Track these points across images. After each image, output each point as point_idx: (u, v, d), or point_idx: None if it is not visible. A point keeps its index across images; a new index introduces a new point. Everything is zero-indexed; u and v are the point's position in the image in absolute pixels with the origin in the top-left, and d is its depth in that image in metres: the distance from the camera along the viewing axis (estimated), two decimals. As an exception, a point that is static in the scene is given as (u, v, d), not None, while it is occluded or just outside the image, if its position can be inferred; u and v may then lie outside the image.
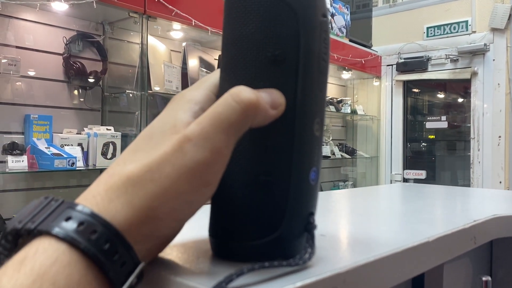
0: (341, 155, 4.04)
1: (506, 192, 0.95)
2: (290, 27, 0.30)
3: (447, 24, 3.93)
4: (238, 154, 0.31)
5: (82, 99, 2.34)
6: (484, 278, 0.53)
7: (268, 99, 0.29)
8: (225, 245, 0.33)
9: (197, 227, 0.46)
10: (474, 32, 3.79)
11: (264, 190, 0.31)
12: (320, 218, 0.55)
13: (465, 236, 0.50)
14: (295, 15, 0.30)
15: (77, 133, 2.18)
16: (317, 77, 0.32)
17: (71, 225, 0.24)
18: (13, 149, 1.92)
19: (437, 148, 4.54)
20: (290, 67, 0.30)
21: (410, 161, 4.34)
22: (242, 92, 0.28)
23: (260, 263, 0.28)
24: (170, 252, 0.36)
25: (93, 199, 0.26)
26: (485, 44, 3.67)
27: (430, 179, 4.26)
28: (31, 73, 2.13)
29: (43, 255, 0.23)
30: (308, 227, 0.32)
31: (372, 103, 4.38)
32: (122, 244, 0.25)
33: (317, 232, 0.44)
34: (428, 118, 4.30)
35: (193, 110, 0.30)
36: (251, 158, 0.31)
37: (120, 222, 0.26)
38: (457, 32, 3.88)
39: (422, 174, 4.09)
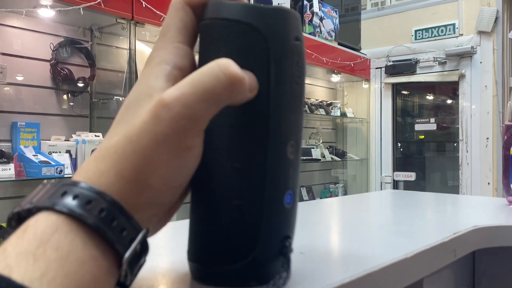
0: (331, 158, 4.05)
1: (490, 199, 0.96)
2: (260, 53, 0.30)
3: (434, 27, 3.96)
4: (211, 178, 0.31)
5: (70, 105, 2.33)
6: (463, 291, 0.54)
7: (247, 80, 0.29)
8: (201, 269, 0.33)
9: (181, 249, 0.46)
10: (461, 35, 3.83)
11: (236, 215, 0.31)
12: (302, 233, 0.56)
13: (445, 250, 0.51)
14: (265, 42, 0.30)
15: (65, 140, 2.17)
16: (290, 101, 0.32)
17: (66, 198, 0.24)
18: (0, 157, 1.90)
19: (427, 149, 4.57)
20: (261, 92, 0.30)
21: (400, 163, 4.36)
22: (231, 65, 0.27)
23: None
24: (149, 273, 0.36)
25: (85, 174, 0.26)
26: (472, 47, 3.71)
27: (420, 181, 4.29)
28: (19, 80, 2.12)
29: (43, 224, 0.23)
30: (284, 251, 0.32)
31: (362, 106, 4.40)
32: (119, 211, 0.25)
33: (297, 250, 0.44)
34: (417, 120, 4.33)
35: (165, 72, 0.29)
36: (223, 182, 0.31)
37: (115, 193, 0.26)
38: (444, 35, 3.92)
39: (411, 176, 4.12)
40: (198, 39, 0.33)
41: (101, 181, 0.26)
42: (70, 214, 0.24)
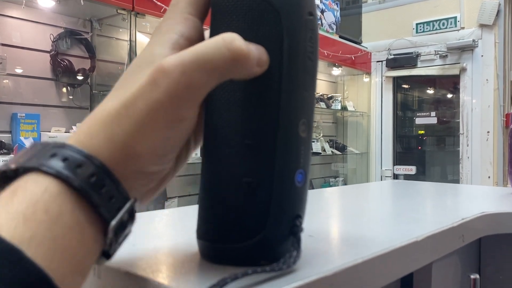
0: (332, 152, 4.05)
1: (494, 189, 0.96)
2: (273, 27, 0.29)
3: (436, 20, 3.95)
4: (221, 155, 0.31)
5: (70, 97, 2.32)
6: (472, 276, 0.54)
7: (256, 55, 0.28)
8: (211, 248, 0.32)
9: (189, 228, 0.45)
10: (463, 28, 3.81)
11: (247, 192, 0.30)
12: (309, 218, 0.55)
13: (453, 235, 0.50)
14: (278, 14, 0.29)
15: (65, 132, 2.16)
16: (302, 77, 0.31)
17: (54, 160, 0.24)
18: (0, 148, 1.90)
19: (427, 143, 4.57)
20: (273, 67, 0.30)
21: (400, 157, 4.36)
22: (235, 41, 0.27)
23: (243, 271, 0.27)
24: (157, 253, 0.36)
25: (76, 137, 0.26)
26: (473, 40, 3.70)
27: (420, 175, 4.29)
28: (18, 71, 2.11)
29: (33, 185, 0.23)
30: (294, 230, 0.31)
31: (362, 99, 4.39)
32: (108, 178, 0.25)
33: (305, 233, 0.44)
34: (417, 114, 4.32)
35: (171, 40, 0.29)
36: (234, 159, 0.30)
37: (105, 158, 0.25)
38: (446, 28, 3.90)
39: (412, 169, 4.12)
40: (210, 16, 0.32)
41: (92, 143, 0.25)
42: (57, 176, 0.23)
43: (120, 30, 2.36)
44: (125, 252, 0.36)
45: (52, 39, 2.21)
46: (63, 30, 2.26)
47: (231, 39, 0.27)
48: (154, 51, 0.28)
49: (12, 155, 1.91)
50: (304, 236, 0.42)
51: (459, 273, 0.57)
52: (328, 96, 4.15)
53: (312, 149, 0.34)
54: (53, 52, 2.20)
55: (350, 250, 0.40)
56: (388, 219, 0.58)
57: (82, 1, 1.96)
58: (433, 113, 4.16)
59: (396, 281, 0.47)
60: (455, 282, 0.55)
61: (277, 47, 0.30)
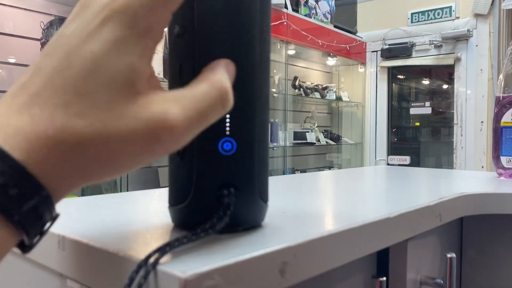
0: (326, 142, 4.05)
1: (480, 173, 0.96)
2: (186, 3, 0.29)
3: (431, 10, 3.93)
4: None
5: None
6: (448, 255, 0.54)
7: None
8: (169, 210, 0.35)
9: (154, 210, 0.45)
10: (458, 17, 3.80)
11: (178, 160, 0.33)
12: (286, 197, 0.55)
13: (430, 213, 0.50)
14: None
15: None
16: (221, 45, 0.31)
17: None
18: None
19: (421, 134, 4.57)
20: (190, 39, 0.31)
21: (394, 147, 4.37)
22: (230, 97, 0.27)
23: (165, 246, 0.28)
24: (121, 228, 0.35)
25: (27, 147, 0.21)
26: (468, 30, 3.69)
27: (415, 165, 4.30)
28: (8, 59, 2.09)
29: None
30: (220, 198, 0.32)
31: (357, 90, 4.39)
32: (26, 180, 0.21)
33: (278, 209, 0.44)
34: (412, 104, 4.32)
35: (151, 52, 0.25)
36: None
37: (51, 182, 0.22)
38: (440, 17, 3.89)
39: (406, 159, 4.12)
40: None
41: (49, 169, 0.22)
42: None
43: (112, 18, 2.34)
44: (91, 227, 0.36)
45: (42, 27, 2.18)
46: (53, 18, 2.24)
47: (227, 98, 0.27)
48: (134, 65, 0.24)
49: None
50: (276, 212, 0.42)
51: (438, 252, 0.57)
52: (323, 86, 4.14)
53: (266, 118, 0.34)
54: (43, 40, 2.18)
55: (319, 224, 0.40)
56: (367, 198, 0.58)
57: (72, -12, 1.94)
58: (427, 104, 4.16)
59: (372, 256, 0.47)
60: (433, 260, 0.55)
61: (190, 21, 0.31)
